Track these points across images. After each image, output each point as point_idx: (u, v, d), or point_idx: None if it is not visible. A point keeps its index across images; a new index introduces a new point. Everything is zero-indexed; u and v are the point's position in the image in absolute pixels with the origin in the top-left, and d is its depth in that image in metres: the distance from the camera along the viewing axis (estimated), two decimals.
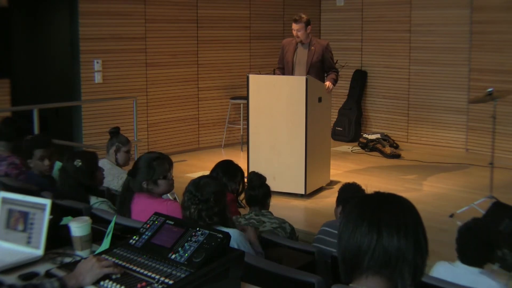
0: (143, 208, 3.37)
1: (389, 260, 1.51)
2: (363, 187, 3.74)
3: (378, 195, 1.61)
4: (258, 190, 4.02)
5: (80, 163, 3.60)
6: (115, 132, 4.94)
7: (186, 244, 2.12)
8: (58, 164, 4.61)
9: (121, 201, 3.51)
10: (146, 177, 3.43)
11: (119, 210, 3.46)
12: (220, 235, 2.11)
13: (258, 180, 4.08)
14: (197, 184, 2.95)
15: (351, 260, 1.55)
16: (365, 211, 1.56)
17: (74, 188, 3.58)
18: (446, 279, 2.89)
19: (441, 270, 3.06)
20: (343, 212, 1.62)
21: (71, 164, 3.61)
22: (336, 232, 3.63)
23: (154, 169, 3.44)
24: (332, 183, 6.58)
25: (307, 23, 6.26)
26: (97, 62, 7.43)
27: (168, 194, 3.74)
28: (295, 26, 6.26)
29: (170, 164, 3.55)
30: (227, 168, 4.46)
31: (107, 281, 2.03)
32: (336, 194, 3.96)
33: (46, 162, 4.22)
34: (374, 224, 1.52)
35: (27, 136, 4.76)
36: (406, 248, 1.50)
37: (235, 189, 4.34)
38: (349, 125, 9.24)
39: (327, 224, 3.83)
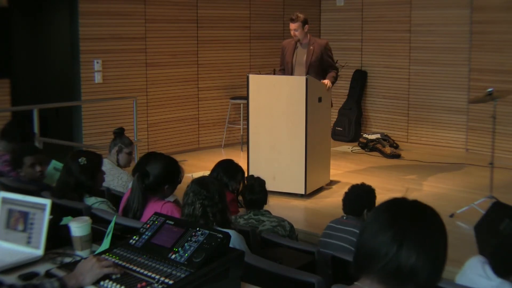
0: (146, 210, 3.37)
1: (399, 275, 1.48)
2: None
3: (414, 205, 1.56)
4: (259, 194, 4.03)
5: (85, 161, 3.59)
6: (119, 133, 4.94)
7: (186, 244, 2.12)
8: (54, 163, 4.61)
9: (135, 205, 3.33)
10: (171, 182, 3.41)
11: (134, 214, 3.35)
12: (220, 235, 2.11)
13: (259, 185, 4.09)
14: (202, 181, 3.00)
15: (365, 259, 1.53)
16: (396, 219, 1.52)
17: (73, 186, 3.56)
18: (471, 275, 2.89)
19: (473, 265, 3.04)
20: (375, 208, 1.59)
21: (75, 162, 3.59)
22: (340, 227, 3.75)
23: (179, 173, 3.46)
24: (332, 183, 6.58)
25: (304, 22, 6.28)
26: (97, 62, 7.43)
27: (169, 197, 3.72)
28: (292, 26, 6.28)
29: None
30: (227, 168, 4.47)
31: (107, 281, 2.03)
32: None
33: (38, 168, 4.21)
34: (398, 236, 1.48)
35: (31, 139, 4.78)
36: (420, 268, 1.47)
37: (235, 188, 4.34)
38: (349, 125, 9.24)
39: (332, 221, 3.91)
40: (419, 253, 1.47)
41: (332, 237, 3.78)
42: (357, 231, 3.68)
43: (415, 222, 1.52)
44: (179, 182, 3.51)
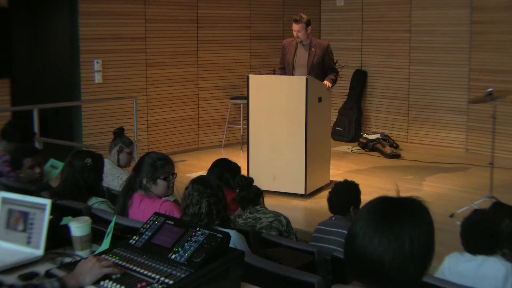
0: (139, 208, 3.38)
1: (371, 269, 1.49)
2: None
3: (400, 204, 1.56)
4: (248, 189, 4.02)
5: (91, 162, 3.59)
6: (119, 133, 4.94)
7: (186, 244, 2.12)
8: (52, 161, 4.61)
9: (123, 197, 3.49)
10: (147, 175, 3.43)
11: (120, 208, 3.44)
12: (220, 235, 2.11)
13: (245, 180, 4.09)
14: (203, 180, 3.02)
15: (352, 262, 1.54)
16: (381, 220, 1.52)
17: (77, 186, 3.55)
18: (454, 266, 2.91)
19: (452, 259, 3.07)
20: (362, 208, 1.61)
21: (81, 162, 3.58)
22: (330, 229, 3.74)
23: (157, 168, 3.44)
24: (332, 183, 6.56)
25: (308, 23, 6.25)
26: (97, 62, 7.43)
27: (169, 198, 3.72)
28: (295, 27, 6.24)
29: (173, 168, 3.55)
30: (228, 165, 4.48)
31: (107, 281, 2.02)
32: None
33: (37, 169, 4.20)
34: (384, 236, 1.49)
35: (32, 139, 4.77)
36: (390, 261, 1.46)
37: (240, 184, 4.28)
38: (349, 125, 9.24)
39: (321, 223, 3.89)
40: (401, 251, 1.46)
41: (323, 240, 3.74)
42: (346, 232, 3.69)
43: (399, 220, 1.51)
44: (160, 176, 3.45)
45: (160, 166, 3.45)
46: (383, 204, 1.56)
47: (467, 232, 3.07)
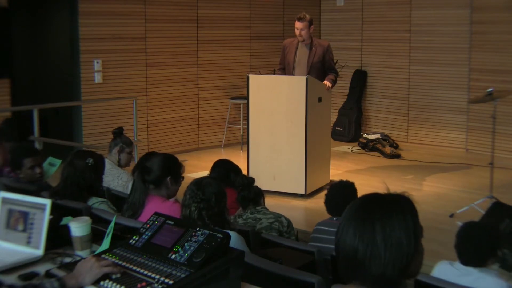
0: (149, 207, 3.37)
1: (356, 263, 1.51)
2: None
3: (381, 202, 1.58)
4: (249, 189, 4.02)
5: (92, 162, 3.59)
6: (118, 133, 4.94)
7: (186, 244, 2.12)
8: (50, 159, 4.60)
9: (137, 202, 3.42)
10: (171, 172, 3.46)
11: (134, 211, 3.41)
12: (220, 235, 2.11)
13: (246, 180, 4.09)
14: (199, 183, 2.97)
15: (346, 262, 1.56)
16: (367, 216, 1.54)
17: (78, 186, 3.55)
18: (447, 279, 2.89)
19: (442, 269, 3.06)
20: (347, 209, 1.63)
21: (82, 162, 3.58)
22: (329, 229, 3.74)
23: (179, 165, 3.53)
24: (332, 183, 6.57)
25: (310, 22, 6.26)
26: (97, 62, 7.43)
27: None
28: (299, 25, 6.24)
29: None
30: (229, 165, 4.49)
31: (107, 281, 2.02)
32: None
33: (37, 170, 4.19)
34: (370, 235, 1.52)
35: (28, 137, 4.76)
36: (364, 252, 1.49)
37: (241, 183, 4.27)
38: (349, 125, 9.24)
39: (320, 223, 3.88)
40: (386, 246, 1.49)
41: (322, 240, 3.73)
42: None
43: (382, 219, 1.53)
44: (181, 175, 3.53)
45: (181, 165, 3.55)
46: (363, 200, 1.59)
47: (459, 242, 3.05)
